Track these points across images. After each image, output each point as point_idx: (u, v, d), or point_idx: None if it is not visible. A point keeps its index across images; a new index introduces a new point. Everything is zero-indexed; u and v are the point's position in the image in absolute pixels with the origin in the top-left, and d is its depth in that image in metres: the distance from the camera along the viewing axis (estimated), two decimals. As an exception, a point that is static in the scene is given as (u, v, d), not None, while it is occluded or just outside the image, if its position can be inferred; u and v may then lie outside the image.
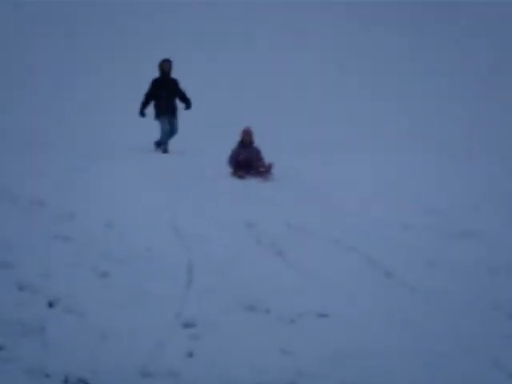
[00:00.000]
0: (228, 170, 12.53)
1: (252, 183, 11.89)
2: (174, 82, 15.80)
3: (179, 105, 15.82)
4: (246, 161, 12.60)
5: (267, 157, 12.60)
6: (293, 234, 8.80)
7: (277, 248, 8.00)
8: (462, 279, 7.14)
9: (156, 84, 15.59)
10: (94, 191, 10.10)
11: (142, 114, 15.56)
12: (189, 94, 15.61)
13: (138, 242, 7.81)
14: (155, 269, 6.99)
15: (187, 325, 5.68)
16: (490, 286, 6.96)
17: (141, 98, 15.55)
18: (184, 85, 15.55)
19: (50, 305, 5.85)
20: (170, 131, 15.72)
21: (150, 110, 15.41)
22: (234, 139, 12.83)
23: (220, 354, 5.12)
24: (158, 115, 15.62)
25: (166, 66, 15.65)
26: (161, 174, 12.33)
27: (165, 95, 15.53)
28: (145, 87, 15.41)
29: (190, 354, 5.15)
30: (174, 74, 15.31)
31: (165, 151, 15.65)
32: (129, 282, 6.53)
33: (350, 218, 9.62)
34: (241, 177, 12.39)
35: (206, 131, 17.69)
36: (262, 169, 12.42)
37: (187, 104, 15.75)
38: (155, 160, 13.86)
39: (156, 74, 15.52)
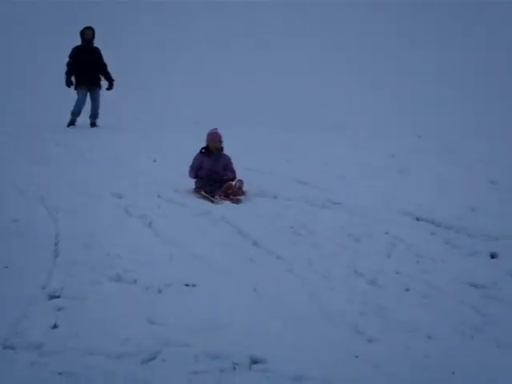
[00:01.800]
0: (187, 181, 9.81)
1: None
2: (96, 51, 15.19)
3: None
4: (210, 174, 9.63)
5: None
6: (163, 205, 8.81)
7: (146, 219, 7.99)
8: (326, 247, 7.36)
9: (77, 52, 14.95)
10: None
11: (69, 83, 14.98)
12: (110, 69, 15.14)
13: (4, 214, 7.65)
14: (21, 240, 6.88)
15: (52, 296, 5.61)
16: (352, 254, 7.20)
17: (64, 68, 15.01)
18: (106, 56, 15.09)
19: None
20: (91, 104, 15.21)
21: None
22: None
23: (85, 325, 5.08)
24: (77, 85, 15.03)
25: (87, 33, 14.99)
26: (36, 147, 12.10)
27: (86, 65, 14.93)
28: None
29: (55, 326, 5.09)
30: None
31: (71, 123, 15.15)
32: (-7, 255, 6.39)
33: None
34: (206, 198, 9.33)
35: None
36: (231, 182, 9.45)
37: (109, 82, 15.20)
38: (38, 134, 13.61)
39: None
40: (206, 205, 8.86)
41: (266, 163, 11.31)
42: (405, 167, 11.33)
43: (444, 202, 9.02)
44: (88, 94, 15.07)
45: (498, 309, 5.99)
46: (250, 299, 5.88)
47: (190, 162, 9.71)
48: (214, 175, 9.58)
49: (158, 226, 7.80)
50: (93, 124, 15.30)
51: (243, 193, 9.33)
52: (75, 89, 15.02)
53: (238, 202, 9.17)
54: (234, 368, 4.64)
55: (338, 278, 6.52)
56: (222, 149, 9.75)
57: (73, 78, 14.99)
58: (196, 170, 9.67)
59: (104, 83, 15.27)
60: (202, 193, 9.38)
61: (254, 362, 4.75)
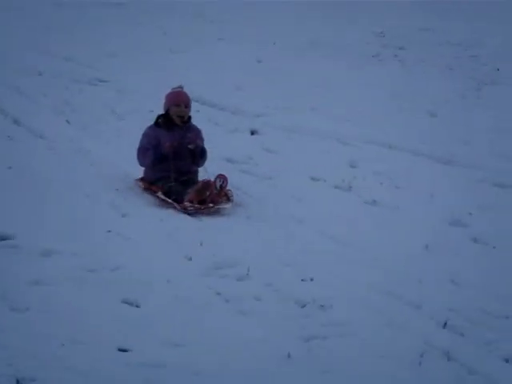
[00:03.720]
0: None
1: None
2: None
3: None
4: (174, 160, 5.90)
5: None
6: None
7: None
8: (89, 125, 7.35)
9: None
10: None
11: None
12: None
13: None
14: None
15: None
16: (115, 131, 7.28)
17: None
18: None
19: None
20: None
21: None
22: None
23: None
24: None
25: None
26: None
27: None
28: None
29: None
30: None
31: None
32: None
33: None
34: (167, 202, 5.72)
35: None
36: (208, 180, 5.74)
37: None
38: None
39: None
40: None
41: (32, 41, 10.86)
42: (177, 46, 11.24)
43: (210, 81, 9.14)
44: None
45: (253, 183, 6.28)
46: (2, 176, 5.76)
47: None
48: (178, 162, 5.94)
49: None
50: None
51: (228, 197, 5.81)
52: None
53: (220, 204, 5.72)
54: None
55: (98, 155, 6.53)
56: (189, 118, 6.20)
57: None
58: (152, 152, 5.91)
59: None
60: (159, 194, 5.79)
61: (2, 238, 4.71)
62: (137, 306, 4.13)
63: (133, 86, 8.83)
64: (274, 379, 3.52)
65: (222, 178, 5.71)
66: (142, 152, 5.94)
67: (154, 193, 5.82)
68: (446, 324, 4.15)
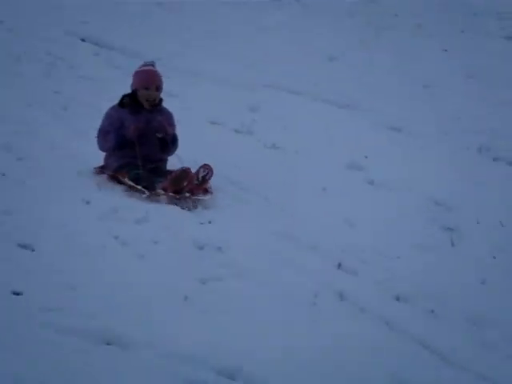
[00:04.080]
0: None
1: None
2: None
3: None
4: (141, 142, 5.15)
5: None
6: None
7: None
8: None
9: None
10: None
11: None
12: None
13: None
14: None
15: None
16: (12, 78, 7.03)
17: None
18: None
19: None
20: None
21: None
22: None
23: None
24: None
25: None
26: None
27: None
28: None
29: None
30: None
31: None
32: None
33: None
34: (134, 188, 5.04)
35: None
36: (186, 168, 4.96)
37: None
38: None
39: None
40: None
41: None
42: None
43: (110, 23, 8.94)
44: None
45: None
46: None
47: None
48: (145, 148, 5.16)
49: None
50: None
51: (207, 189, 5.10)
52: None
53: (193, 204, 4.98)
54: None
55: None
56: (160, 101, 5.35)
57: None
58: (114, 136, 5.17)
59: None
60: (126, 180, 5.06)
61: None
62: (32, 250, 4.04)
63: (28, 27, 8.55)
64: (171, 321, 3.54)
65: (207, 168, 5.00)
66: (103, 135, 5.20)
67: (119, 180, 5.09)
68: (340, 265, 4.26)
